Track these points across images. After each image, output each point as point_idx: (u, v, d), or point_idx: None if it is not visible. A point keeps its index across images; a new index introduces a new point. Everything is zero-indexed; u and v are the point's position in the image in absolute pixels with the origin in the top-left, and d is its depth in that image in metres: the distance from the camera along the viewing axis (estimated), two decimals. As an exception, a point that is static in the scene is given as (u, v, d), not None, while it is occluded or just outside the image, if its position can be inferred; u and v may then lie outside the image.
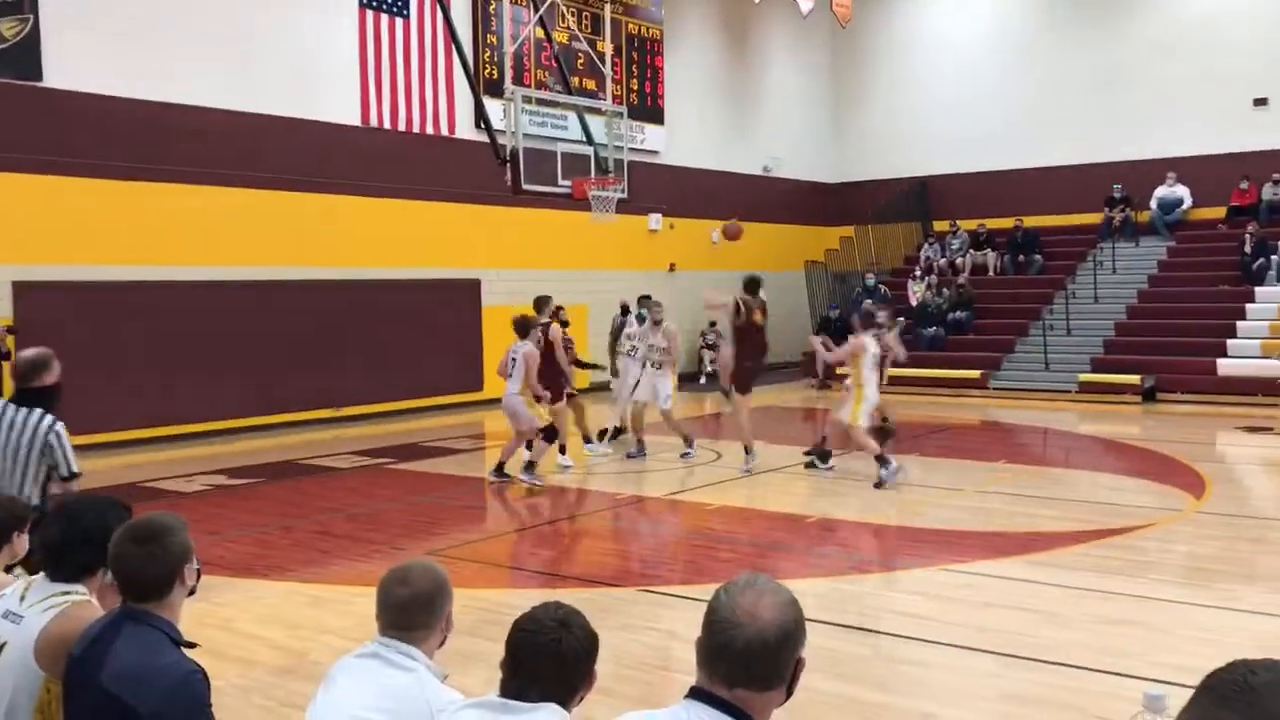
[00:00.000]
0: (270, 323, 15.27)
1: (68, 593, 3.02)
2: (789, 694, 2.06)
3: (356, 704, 2.81)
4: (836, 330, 20.94)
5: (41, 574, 3.13)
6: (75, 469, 5.27)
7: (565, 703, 2.44)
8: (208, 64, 14.91)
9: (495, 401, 17.87)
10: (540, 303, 12.38)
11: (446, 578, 2.98)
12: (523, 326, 11.54)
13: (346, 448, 14.02)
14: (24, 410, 5.19)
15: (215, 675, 2.99)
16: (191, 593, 2.94)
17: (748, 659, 1.98)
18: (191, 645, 2.82)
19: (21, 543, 3.67)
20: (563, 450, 12.27)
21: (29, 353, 5.36)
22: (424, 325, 17.17)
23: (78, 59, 13.66)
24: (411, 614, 2.93)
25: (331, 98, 16.35)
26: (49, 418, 5.20)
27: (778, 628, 1.99)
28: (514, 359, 11.18)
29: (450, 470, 12.49)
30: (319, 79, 16.21)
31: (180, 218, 14.62)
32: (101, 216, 13.89)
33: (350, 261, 16.54)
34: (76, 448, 5.40)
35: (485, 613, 6.45)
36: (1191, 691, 1.37)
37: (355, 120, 16.72)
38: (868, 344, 11.64)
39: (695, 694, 2.04)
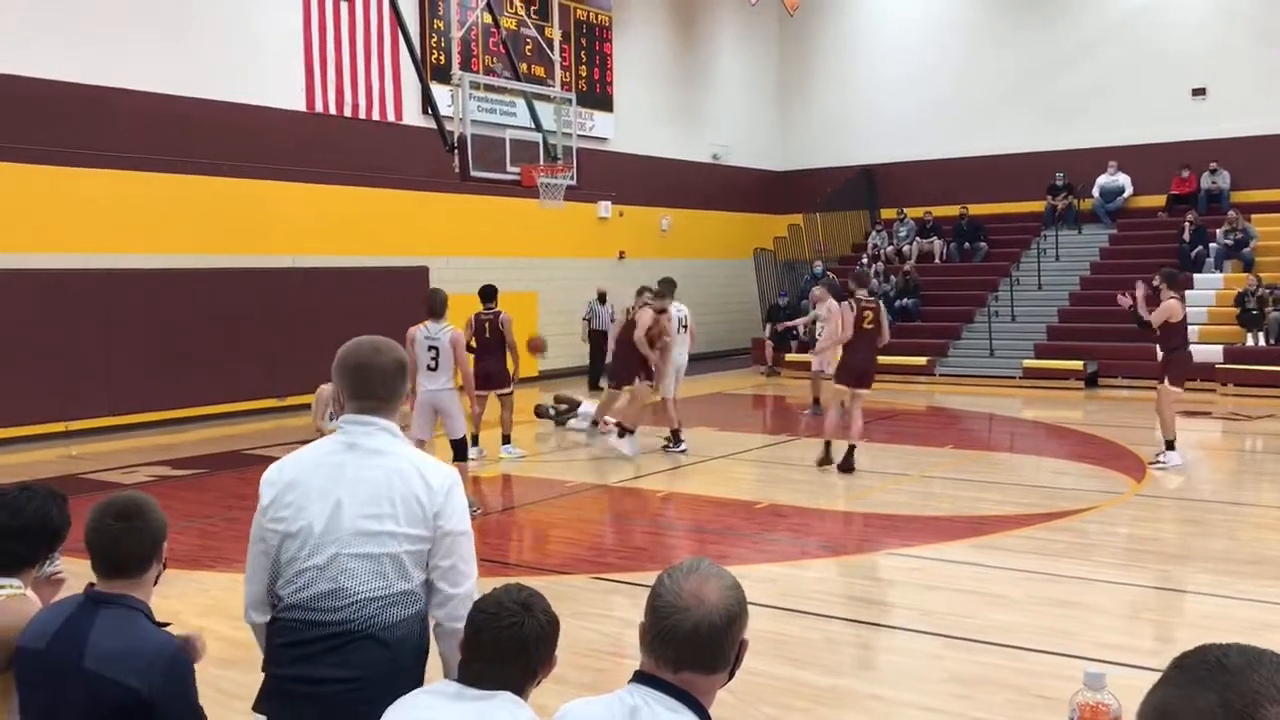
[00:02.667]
0: (214, 311, 15.04)
1: (2, 586, 2.95)
2: (731, 675, 2.08)
3: (364, 511, 2.75)
4: (785, 317, 21.11)
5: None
6: None
7: (524, 686, 2.44)
8: (147, 45, 14.64)
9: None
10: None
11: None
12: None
13: (291, 437, 13.83)
14: None
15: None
16: (157, 579, 2.90)
17: (694, 642, 1.99)
18: (164, 625, 2.79)
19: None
20: (624, 432, 11.90)
21: None
22: (372, 313, 16.84)
23: (16, 42, 13.34)
24: (392, 381, 2.90)
25: (275, 82, 16.12)
26: None
27: (723, 611, 2.01)
28: (435, 347, 9.22)
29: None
30: (262, 63, 15.97)
31: (118, 204, 14.36)
32: (35, 202, 13.59)
33: (295, 249, 16.34)
34: (10, 440, 5.25)
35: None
36: (1131, 670, 1.39)
37: (300, 105, 16.50)
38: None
39: (640, 678, 2.05)
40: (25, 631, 2.73)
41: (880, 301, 11.45)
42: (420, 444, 8.77)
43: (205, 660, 3.09)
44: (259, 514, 2.87)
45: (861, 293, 11.15)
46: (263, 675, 2.89)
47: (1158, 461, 10.92)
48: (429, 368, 9.16)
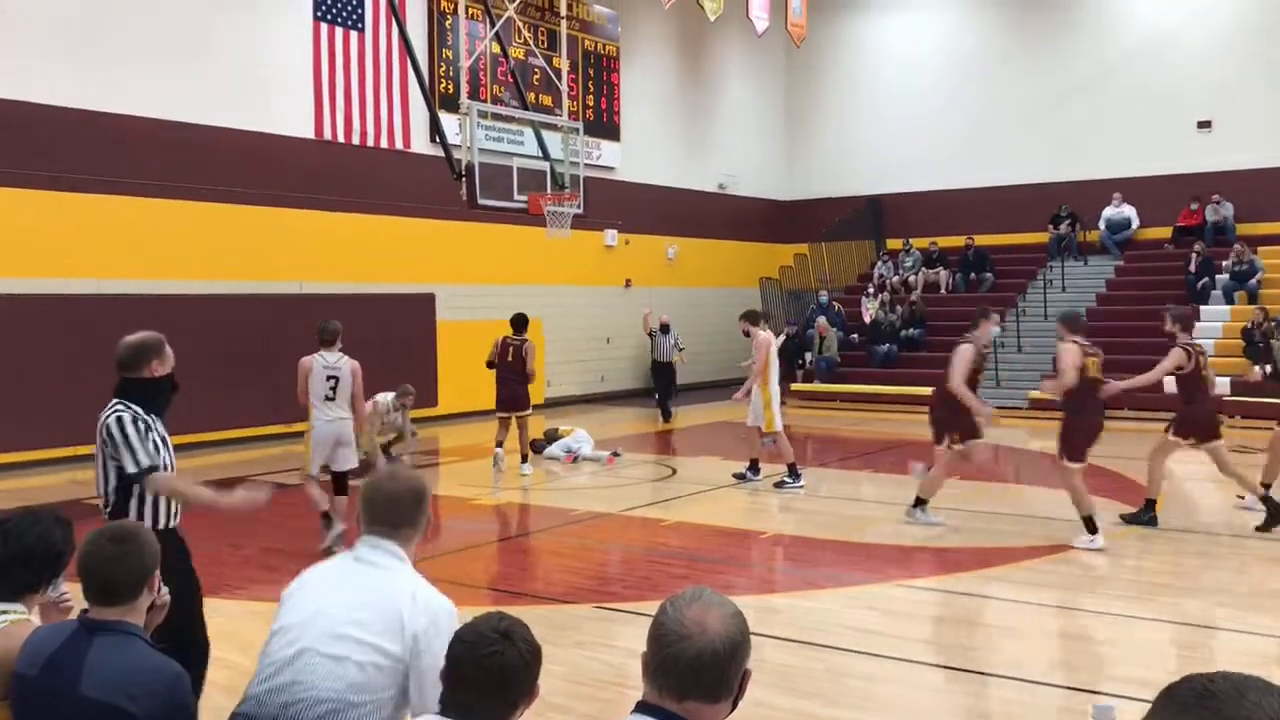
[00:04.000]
0: (220, 337, 15.07)
1: (5, 611, 2.94)
2: (735, 705, 2.07)
3: (344, 616, 2.83)
4: (794, 346, 21.12)
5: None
6: (142, 464, 4.43)
7: (506, 717, 2.40)
8: (158, 74, 14.75)
9: (451, 417, 17.91)
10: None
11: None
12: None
13: (296, 463, 13.84)
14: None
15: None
16: (152, 606, 2.89)
17: (697, 671, 1.98)
18: (160, 648, 2.78)
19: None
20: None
21: (129, 338, 4.70)
22: (378, 340, 17.00)
23: (22, 66, 13.45)
24: (401, 510, 3.05)
25: (284, 110, 16.22)
26: (113, 405, 4.51)
27: (726, 639, 2.00)
28: (334, 376, 9.00)
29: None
30: (272, 91, 16.08)
31: (126, 229, 14.43)
32: (42, 227, 13.66)
33: (302, 275, 16.39)
34: (16, 464, 5.22)
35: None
36: (1140, 704, 1.38)
37: (309, 133, 16.60)
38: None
39: (644, 708, 2.04)
40: (19, 657, 2.72)
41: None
42: (324, 469, 9.10)
43: (210, 688, 3.10)
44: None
45: (1184, 337, 9.95)
46: None
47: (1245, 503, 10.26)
48: (327, 398, 9.01)
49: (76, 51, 13.95)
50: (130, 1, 14.50)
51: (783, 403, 19.98)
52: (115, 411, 4.41)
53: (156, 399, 4.63)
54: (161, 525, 4.46)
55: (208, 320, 14.96)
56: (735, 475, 12.24)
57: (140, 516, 4.39)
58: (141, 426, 4.47)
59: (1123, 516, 9.84)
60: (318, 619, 2.85)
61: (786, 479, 11.76)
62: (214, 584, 7.91)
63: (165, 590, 3.00)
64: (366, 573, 2.96)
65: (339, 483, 9.12)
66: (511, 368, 12.93)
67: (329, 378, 9.01)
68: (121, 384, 4.45)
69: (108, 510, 4.46)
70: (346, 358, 9.14)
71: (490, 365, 13.22)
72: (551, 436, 14.29)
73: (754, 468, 12.22)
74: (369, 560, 2.98)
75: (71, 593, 3.28)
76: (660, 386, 18.61)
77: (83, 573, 2.76)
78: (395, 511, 3.05)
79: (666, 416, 18.27)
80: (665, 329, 18.56)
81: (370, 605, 2.85)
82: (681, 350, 18.74)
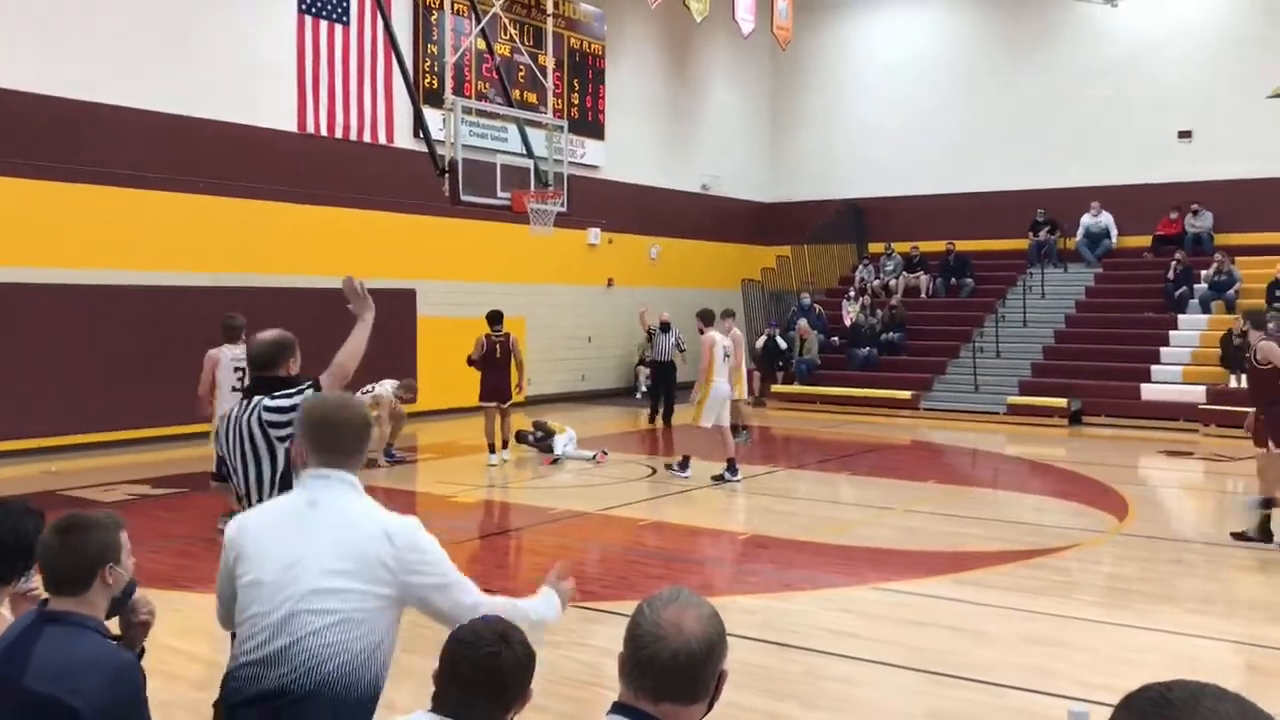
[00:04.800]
0: (198, 329, 14.89)
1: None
2: (710, 707, 2.06)
3: (328, 566, 2.80)
4: (775, 347, 21.16)
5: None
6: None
7: (499, 718, 2.41)
8: (142, 65, 14.64)
9: (431, 414, 17.84)
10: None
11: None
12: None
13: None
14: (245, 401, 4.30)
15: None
16: (121, 603, 2.85)
17: (673, 671, 1.98)
18: (119, 639, 2.75)
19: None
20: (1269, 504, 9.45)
21: (264, 336, 4.49)
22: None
23: (10, 56, 13.34)
24: (355, 438, 3.00)
25: (268, 103, 16.14)
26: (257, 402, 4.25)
27: (702, 640, 2.00)
28: (240, 368, 9.17)
29: (381, 483, 12.34)
30: (256, 84, 15.99)
31: (107, 220, 14.31)
32: (26, 217, 13.54)
33: (282, 269, 16.30)
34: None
35: (416, 627, 6.35)
36: (1112, 709, 1.39)
37: (292, 126, 16.51)
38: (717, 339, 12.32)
39: (619, 709, 2.03)
40: None
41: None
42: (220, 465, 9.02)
43: (182, 684, 3.07)
44: (222, 567, 2.95)
45: (1257, 334, 9.47)
46: None
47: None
48: (234, 388, 9.17)
49: (59, 41, 13.83)
50: (113, -10, 14.40)
51: (762, 403, 20.24)
52: (260, 407, 4.16)
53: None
54: None
55: (185, 312, 14.85)
56: (714, 477, 12.26)
57: None
58: None
59: (1235, 535, 9.45)
60: (299, 576, 2.80)
61: (675, 468, 12.57)
62: (186, 577, 7.88)
63: (147, 610, 2.96)
64: (329, 514, 2.90)
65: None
66: (500, 363, 13.19)
67: (236, 369, 9.24)
68: (257, 383, 4.30)
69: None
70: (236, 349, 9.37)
71: (471, 363, 13.27)
72: (541, 426, 14.32)
73: (731, 468, 12.25)
74: (328, 500, 2.92)
75: (40, 585, 3.25)
76: (659, 387, 18.16)
77: (38, 563, 2.76)
78: (350, 439, 3.00)
79: (667, 418, 17.62)
80: (666, 327, 17.98)
81: (349, 554, 2.82)
82: (684, 350, 18.14)
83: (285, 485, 3.99)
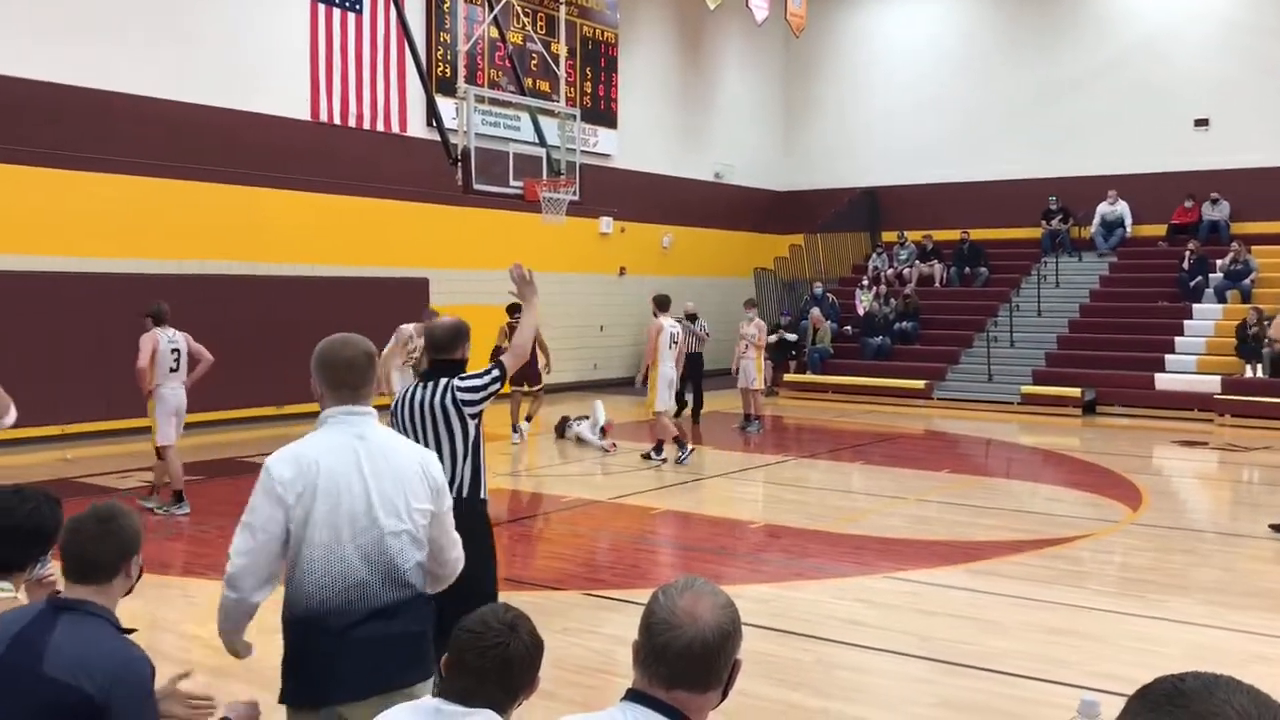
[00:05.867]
0: (213, 318, 14.96)
1: (-7, 588, 2.93)
2: (724, 695, 2.07)
3: (410, 499, 3.22)
4: (783, 344, 21.11)
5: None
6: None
7: (506, 707, 2.42)
8: (154, 53, 14.67)
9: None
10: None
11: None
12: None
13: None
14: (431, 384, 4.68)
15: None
16: (128, 591, 2.87)
17: (687, 660, 1.98)
18: (130, 631, 2.76)
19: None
20: None
21: (443, 322, 4.90)
22: (371, 323, 16.87)
23: (20, 45, 13.38)
24: (365, 370, 3.27)
25: (281, 91, 16.15)
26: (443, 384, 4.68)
27: (717, 629, 2.00)
28: (176, 349, 9.92)
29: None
30: (269, 71, 16.01)
31: (118, 208, 14.37)
32: (35, 205, 13.60)
33: (296, 258, 16.35)
34: (4, 442, 5.18)
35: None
36: (1126, 699, 1.39)
37: (305, 115, 16.53)
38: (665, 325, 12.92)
39: (633, 696, 2.04)
40: None
41: None
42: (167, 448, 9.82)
43: (198, 669, 3.10)
44: (274, 503, 3.11)
45: None
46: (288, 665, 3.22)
47: None
48: (172, 369, 9.86)
49: (70, 27, 13.86)
50: (127, -22, 14.42)
51: (775, 393, 20.20)
52: (452, 388, 4.65)
53: None
54: (482, 495, 4.83)
55: (199, 301, 14.89)
56: (642, 455, 13.06)
57: (476, 485, 4.74)
58: None
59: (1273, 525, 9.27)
60: (377, 503, 3.15)
61: (652, 453, 13.00)
62: (201, 565, 7.92)
63: (252, 704, 3.01)
64: (381, 449, 3.23)
65: (159, 452, 9.91)
66: None
67: (173, 351, 9.85)
68: (437, 365, 4.74)
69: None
70: (183, 334, 10.05)
71: (500, 352, 13.40)
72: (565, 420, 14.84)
73: (658, 449, 12.95)
74: (374, 438, 3.24)
75: (57, 572, 3.27)
76: (685, 381, 16.38)
77: (64, 550, 2.75)
78: (359, 372, 3.26)
79: (695, 413, 16.83)
80: (692, 318, 16.60)
81: (406, 479, 3.22)
82: (707, 336, 16.96)
83: (475, 455, 4.65)
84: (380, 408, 3.39)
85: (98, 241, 14.15)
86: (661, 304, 13.29)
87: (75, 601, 2.68)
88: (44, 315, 13.45)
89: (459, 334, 4.78)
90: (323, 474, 3.12)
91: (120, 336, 14.07)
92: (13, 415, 5.17)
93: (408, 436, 4.39)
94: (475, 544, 4.32)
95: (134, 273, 14.33)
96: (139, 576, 2.87)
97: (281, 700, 3.22)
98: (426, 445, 4.36)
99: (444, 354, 4.73)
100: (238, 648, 3.35)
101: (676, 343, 13.13)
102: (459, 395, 4.55)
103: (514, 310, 13.48)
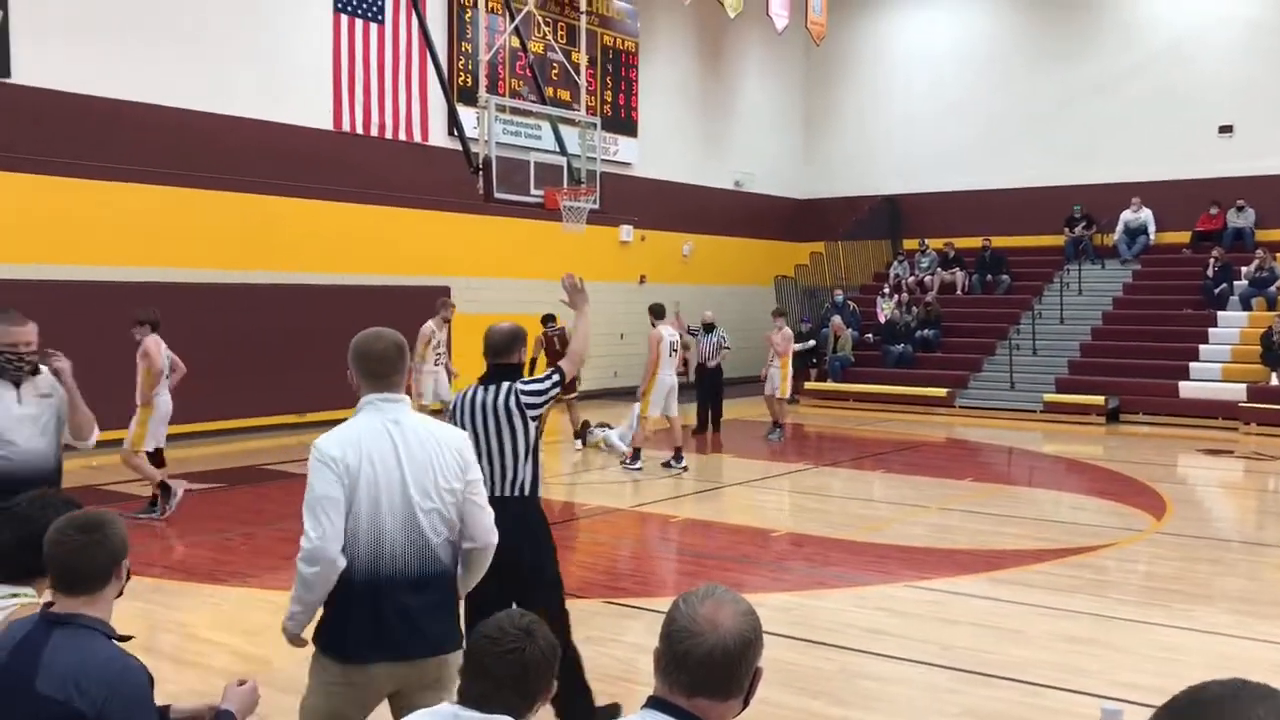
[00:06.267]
0: (236, 326, 15.12)
1: (16, 594, 2.95)
2: (746, 704, 2.06)
3: (439, 479, 3.42)
4: (803, 355, 21.05)
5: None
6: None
7: (522, 713, 2.43)
8: (179, 64, 14.79)
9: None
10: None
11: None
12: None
13: (303, 454, 13.87)
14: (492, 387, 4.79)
15: (173, 681, 2.95)
16: (119, 593, 2.87)
17: (708, 667, 1.98)
18: (125, 638, 2.75)
19: None
20: None
21: (501, 327, 4.98)
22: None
23: (48, 56, 13.51)
24: (397, 362, 3.51)
25: (303, 101, 16.26)
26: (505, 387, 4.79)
27: (738, 637, 2.00)
28: (170, 357, 10.49)
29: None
30: (291, 82, 16.12)
31: (141, 218, 14.47)
32: (58, 214, 13.70)
33: (318, 267, 16.43)
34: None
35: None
36: (1149, 710, 1.39)
37: (327, 124, 16.63)
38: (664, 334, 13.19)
39: (654, 703, 2.04)
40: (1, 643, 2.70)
41: None
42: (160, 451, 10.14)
43: (220, 675, 3.11)
44: (329, 474, 3.36)
45: None
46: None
47: None
48: (166, 376, 10.27)
49: (93, 38, 13.99)
50: (152, -10, 14.56)
51: (796, 400, 20.16)
52: (516, 391, 4.80)
53: None
54: (539, 492, 4.98)
55: (221, 310, 15.02)
56: (663, 464, 12.93)
57: (534, 483, 4.87)
58: None
59: None
60: (405, 484, 3.36)
61: (671, 461, 12.90)
62: (224, 571, 7.96)
63: (249, 685, 3.04)
64: (416, 434, 3.45)
65: (159, 454, 10.28)
66: (559, 355, 13.64)
67: (168, 358, 10.24)
68: (496, 369, 4.87)
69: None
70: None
71: (534, 363, 13.76)
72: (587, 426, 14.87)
73: (677, 456, 12.90)
74: (408, 423, 3.46)
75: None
76: (703, 393, 16.49)
77: (49, 562, 2.72)
78: (391, 362, 3.50)
79: (716, 426, 16.41)
80: (710, 328, 16.23)
81: (439, 461, 3.44)
82: (728, 349, 16.58)
83: (535, 455, 4.82)
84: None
85: (119, 250, 14.24)
86: (658, 312, 13.59)
87: (67, 616, 2.66)
88: (65, 323, 13.53)
89: (516, 339, 4.93)
90: (364, 451, 3.36)
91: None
92: (95, 435, 5.38)
93: (474, 438, 4.56)
94: (536, 537, 4.79)
95: (154, 281, 14.42)
96: (128, 578, 2.85)
97: (317, 643, 3.48)
98: (489, 445, 4.66)
99: (501, 358, 4.87)
100: (302, 634, 3.54)
101: (676, 351, 13.46)
102: (523, 399, 4.72)
103: (547, 320, 13.70)
